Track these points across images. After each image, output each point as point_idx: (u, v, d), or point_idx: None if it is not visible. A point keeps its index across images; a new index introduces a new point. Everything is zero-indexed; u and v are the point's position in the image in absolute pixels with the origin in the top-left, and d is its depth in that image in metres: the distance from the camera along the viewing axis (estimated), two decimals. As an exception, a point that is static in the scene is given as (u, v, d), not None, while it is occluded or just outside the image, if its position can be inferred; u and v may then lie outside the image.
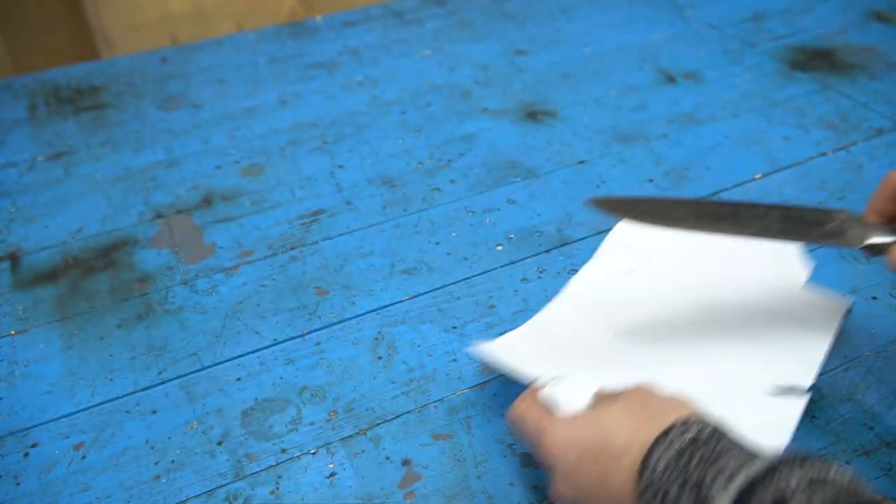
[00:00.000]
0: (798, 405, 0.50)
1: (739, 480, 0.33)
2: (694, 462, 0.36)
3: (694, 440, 0.37)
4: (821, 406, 0.53)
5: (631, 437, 0.39)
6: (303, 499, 0.48)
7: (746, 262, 0.62)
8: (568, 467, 0.41)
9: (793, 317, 0.57)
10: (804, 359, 0.53)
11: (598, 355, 0.56)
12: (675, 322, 0.59)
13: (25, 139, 0.84)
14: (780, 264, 0.63)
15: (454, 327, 0.60)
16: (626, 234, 0.67)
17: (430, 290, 0.63)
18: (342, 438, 0.52)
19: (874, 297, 0.61)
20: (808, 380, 0.52)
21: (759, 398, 0.50)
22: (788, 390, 0.51)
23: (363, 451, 0.51)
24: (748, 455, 0.35)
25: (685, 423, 0.38)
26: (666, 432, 0.38)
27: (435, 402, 0.54)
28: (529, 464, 0.50)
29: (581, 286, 0.62)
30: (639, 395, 0.42)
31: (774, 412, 0.50)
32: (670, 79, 0.91)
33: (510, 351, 0.54)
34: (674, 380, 0.47)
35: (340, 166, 0.78)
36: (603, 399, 0.44)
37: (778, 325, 0.57)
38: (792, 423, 0.49)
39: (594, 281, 0.63)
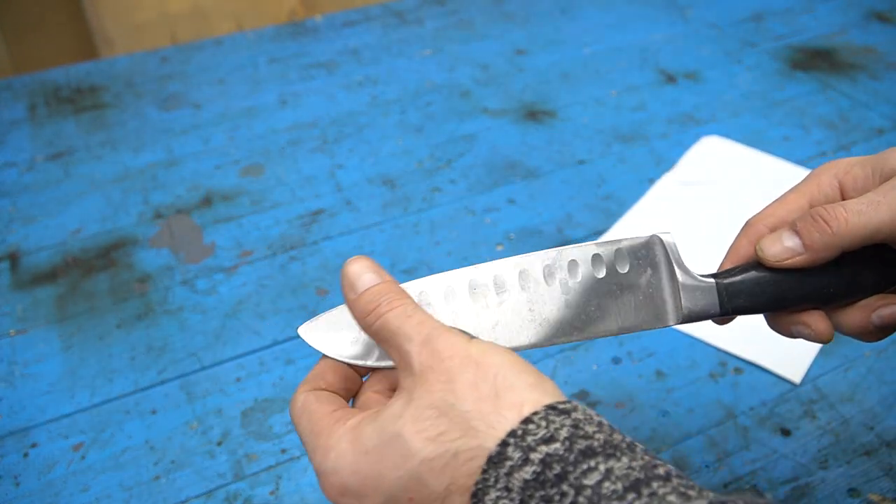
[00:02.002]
0: None
1: None
2: None
3: (542, 471, 0.25)
4: (821, 406, 0.53)
5: (447, 463, 0.27)
6: (303, 499, 0.48)
7: None
8: None
9: None
10: None
11: None
12: (730, 238, 0.65)
13: (25, 139, 0.84)
14: None
15: (454, 327, 0.60)
16: (709, 148, 0.78)
17: (430, 290, 0.63)
18: (342, 438, 0.52)
19: (874, 297, 0.61)
20: None
21: None
22: None
23: (363, 451, 0.51)
24: (629, 498, 0.24)
25: (524, 438, 0.26)
26: (498, 457, 0.26)
27: (435, 402, 0.54)
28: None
29: (656, 195, 0.73)
30: (440, 376, 0.28)
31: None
32: (670, 79, 0.91)
33: None
34: None
35: (340, 166, 0.78)
36: (399, 393, 0.30)
37: None
38: (816, 345, 0.56)
39: (669, 189, 0.74)
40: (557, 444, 0.26)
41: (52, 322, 0.62)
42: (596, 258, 0.36)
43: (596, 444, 0.26)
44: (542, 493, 0.25)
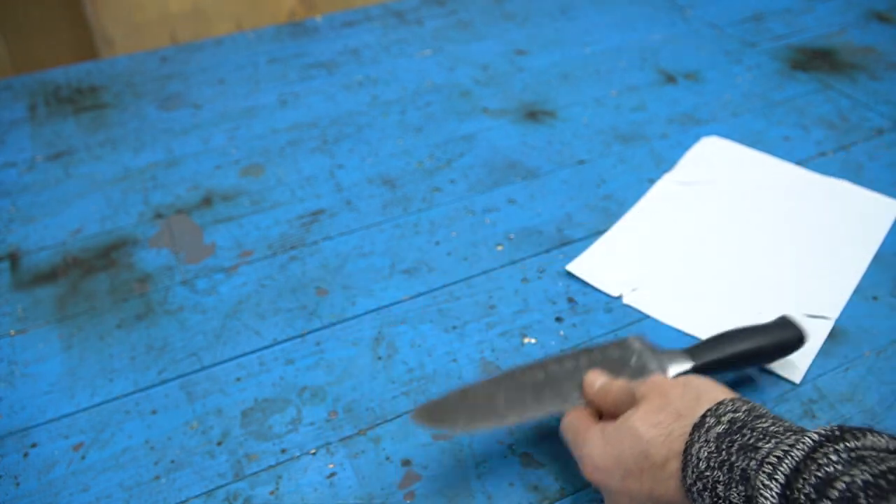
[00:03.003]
0: (824, 328, 0.58)
1: (784, 469, 0.33)
2: (735, 450, 0.36)
3: (729, 427, 0.37)
4: (821, 406, 0.53)
5: (666, 439, 0.40)
6: (303, 499, 0.48)
7: (825, 203, 0.71)
8: (615, 489, 0.42)
9: (835, 254, 0.65)
10: (833, 294, 0.61)
11: (666, 263, 0.65)
12: (729, 238, 0.67)
13: (25, 139, 0.84)
14: (859, 215, 0.69)
15: (454, 327, 0.60)
16: (709, 148, 0.78)
17: (430, 290, 0.63)
18: (342, 438, 0.52)
19: (875, 298, 0.61)
20: (834, 312, 0.59)
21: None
22: (816, 317, 0.59)
23: (363, 451, 0.51)
24: (787, 434, 0.36)
25: (717, 411, 0.39)
26: (700, 423, 0.39)
27: (435, 402, 0.54)
28: (529, 464, 0.50)
29: (656, 195, 0.73)
30: (657, 393, 0.42)
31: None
32: (670, 79, 0.91)
33: (590, 268, 0.64)
34: (720, 293, 0.61)
35: (340, 166, 0.78)
36: (625, 404, 0.44)
37: (821, 259, 0.65)
38: (816, 345, 0.57)
39: (668, 189, 0.73)
40: (740, 413, 0.38)
41: (52, 322, 0.62)
42: (591, 362, 0.50)
43: (768, 415, 0.38)
44: (729, 438, 0.37)
